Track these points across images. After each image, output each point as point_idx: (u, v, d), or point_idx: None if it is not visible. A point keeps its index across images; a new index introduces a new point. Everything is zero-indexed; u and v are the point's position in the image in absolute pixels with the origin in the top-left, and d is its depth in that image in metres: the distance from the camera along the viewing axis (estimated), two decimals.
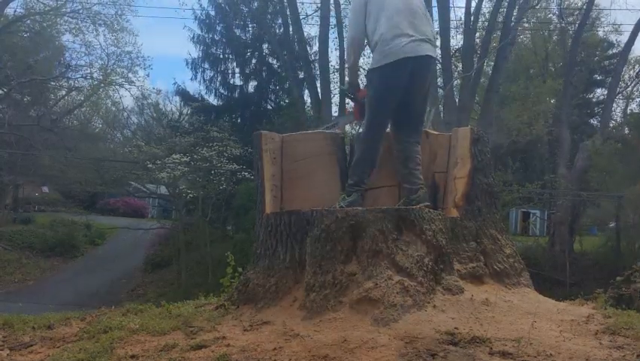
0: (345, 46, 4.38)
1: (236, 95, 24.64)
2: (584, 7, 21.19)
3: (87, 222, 26.31)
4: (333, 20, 19.89)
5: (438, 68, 18.24)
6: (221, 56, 24.82)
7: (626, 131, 23.73)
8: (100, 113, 29.28)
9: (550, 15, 26.10)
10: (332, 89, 19.83)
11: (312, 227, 3.33)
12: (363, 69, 5.30)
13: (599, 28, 26.79)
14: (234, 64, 24.82)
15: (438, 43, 18.02)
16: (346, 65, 4.22)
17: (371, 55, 3.95)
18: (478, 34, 19.88)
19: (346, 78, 4.21)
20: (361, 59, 4.49)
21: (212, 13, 24.54)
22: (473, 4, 18.05)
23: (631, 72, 26.85)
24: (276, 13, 23.06)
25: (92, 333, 3.38)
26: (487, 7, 21.01)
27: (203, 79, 24.51)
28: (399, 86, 3.74)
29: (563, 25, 23.94)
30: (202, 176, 18.77)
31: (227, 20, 24.28)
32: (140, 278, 21.83)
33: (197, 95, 24.80)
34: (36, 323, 3.86)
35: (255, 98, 24.62)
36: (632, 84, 28.04)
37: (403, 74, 3.71)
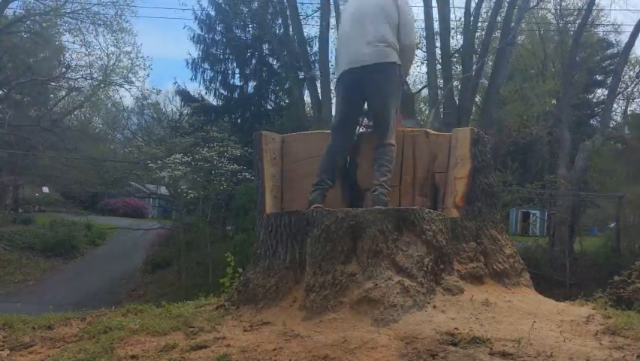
0: None
1: (236, 96, 24.63)
2: (584, 7, 21.17)
3: (87, 222, 26.31)
4: (333, 21, 19.88)
5: (437, 68, 18.24)
6: (221, 56, 24.80)
7: (626, 132, 23.72)
8: (100, 113, 29.27)
9: (549, 15, 26.11)
10: (332, 89, 19.82)
11: (312, 227, 3.33)
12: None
13: (598, 28, 26.78)
14: (234, 64, 24.81)
15: (437, 43, 18.06)
16: None
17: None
18: (477, 35, 19.87)
19: None
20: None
21: (213, 13, 24.57)
22: (473, 4, 18.05)
23: (631, 72, 26.81)
24: (276, 13, 23.05)
25: (92, 333, 3.38)
26: (486, 6, 21.03)
27: (203, 79, 24.51)
28: (350, 95, 3.90)
29: (562, 25, 23.93)
30: (202, 176, 18.77)
31: (227, 20, 24.27)
32: (140, 278, 21.82)
33: (197, 96, 24.80)
34: (36, 323, 3.86)
35: (255, 98, 24.61)
36: (632, 84, 28.01)
37: (352, 83, 3.84)
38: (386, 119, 3.88)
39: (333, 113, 4.19)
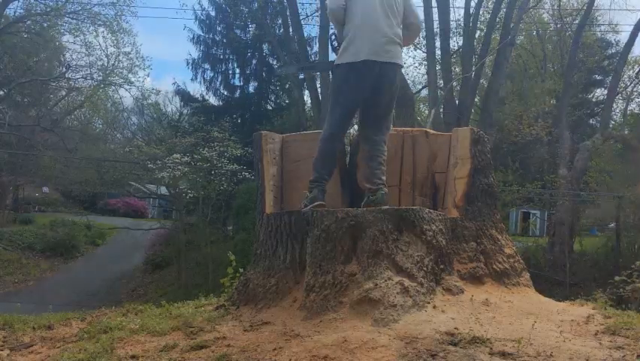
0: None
1: (237, 96, 24.68)
2: (584, 7, 21.17)
3: (87, 222, 26.32)
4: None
5: (437, 68, 18.23)
6: (222, 57, 24.86)
7: (626, 132, 23.71)
8: (100, 113, 29.26)
9: (547, 15, 26.12)
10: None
11: (313, 227, 3.33)
12: None
13: (597, 28, 26.78)
14: (235, 64, 24.87)
15: (437, 43, 18.06)
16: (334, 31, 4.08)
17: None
18: (477, 35, 19.86)
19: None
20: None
21: (213, 13, 24.60)
22: (473, 4, 18.06)
23: (630, 72, 26.78)
24: (276, 13, 23.08)
25: (92, 333, 3.38)
26: (486, 6, 21.02)
27: (204, 79, 24.60)
28: (362, 86, 3.67)
29: (560, 26, 23.93)
30: (202, 176, 18.77)
31: (227, 21, 24.32)
32: (141, 278, 21.84)
33: (197, 96, 24.86)
34: (36, 323, 3.87)
35: (255, 98, 24.65)
36: (632, 84, 27.98)
37: (369, 74, 3.64)
38: (389, 119, 3.87)
39: (335, 101, 3.81)
